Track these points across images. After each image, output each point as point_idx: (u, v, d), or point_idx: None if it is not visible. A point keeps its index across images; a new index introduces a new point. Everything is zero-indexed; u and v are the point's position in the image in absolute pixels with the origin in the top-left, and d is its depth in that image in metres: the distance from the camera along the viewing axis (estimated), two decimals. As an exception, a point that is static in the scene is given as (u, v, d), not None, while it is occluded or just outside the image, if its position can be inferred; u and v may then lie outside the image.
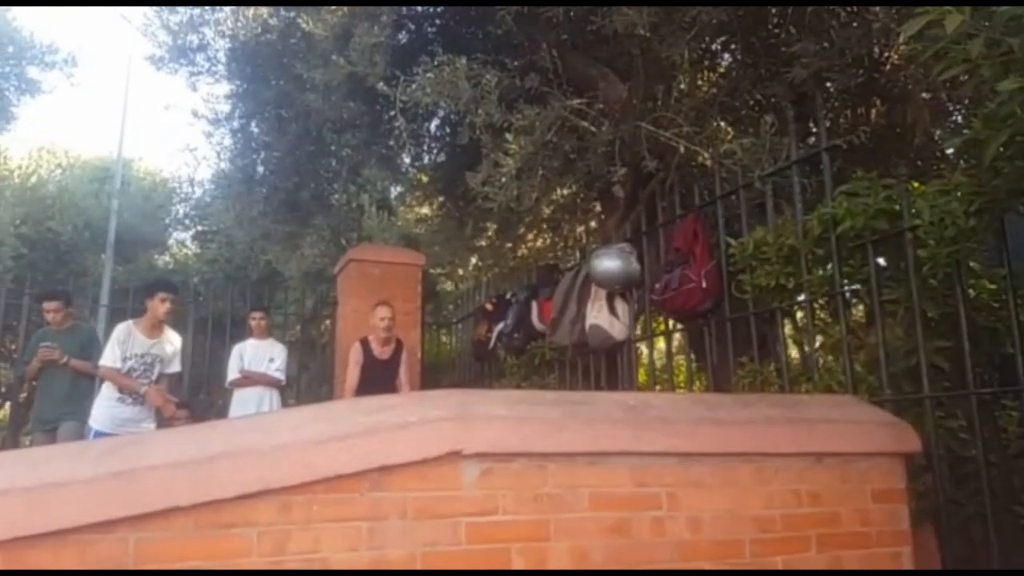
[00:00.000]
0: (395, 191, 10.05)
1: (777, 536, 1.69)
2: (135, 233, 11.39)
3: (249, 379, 5.08)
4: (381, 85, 3.71)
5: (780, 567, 1.67)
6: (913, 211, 2.14)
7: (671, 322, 3.57)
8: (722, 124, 3.47)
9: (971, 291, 2.27)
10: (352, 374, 4.35)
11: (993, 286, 2.18)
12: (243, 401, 5.00)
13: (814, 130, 3.59)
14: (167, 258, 12.72)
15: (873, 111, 3.66)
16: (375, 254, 5.89)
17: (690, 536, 1.62)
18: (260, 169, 6.03)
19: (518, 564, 1.48)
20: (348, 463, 1.40)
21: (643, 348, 3.61)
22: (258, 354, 5.26)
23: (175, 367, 4.33)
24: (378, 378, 4.19)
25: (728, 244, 2.86)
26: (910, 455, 1.85)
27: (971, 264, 2.20)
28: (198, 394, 7.88)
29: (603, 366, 3.86)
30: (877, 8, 2.53)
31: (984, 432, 2.02)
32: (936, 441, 2.07)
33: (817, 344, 2.61)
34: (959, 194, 1.91)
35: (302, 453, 1.37)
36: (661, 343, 4.37)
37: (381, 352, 4.39)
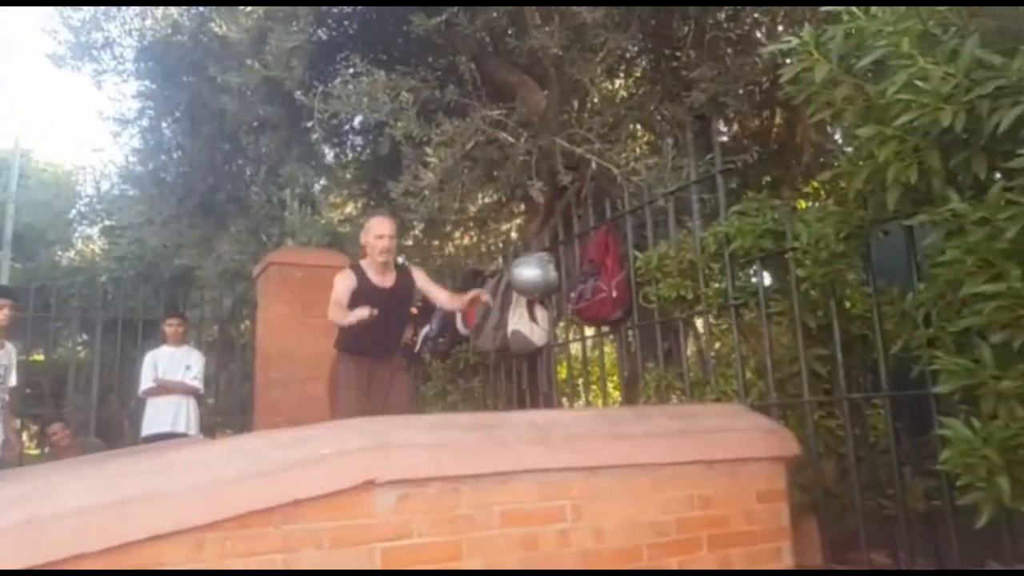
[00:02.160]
0: (319, 186, 9.84)
1: (672, 539, 1.85)
2: (35, 230, 10.71)
3: (164, 388, 4.94)
4: (299, 94, 3.68)
5: (675, 568, 1.83)
6: (796, 233, 2.34)
7: (589, 329, 3.73)
8: (631, 141, 3.64)
9: (847, 303, 2.51)
10: (340, 304, 3.13)
11: (864, 300, 2.41)
12: (158, 411, 4.86)
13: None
14: (72, 255, 12.01)
15: (773, 128, 3.91)
16: (297, 257, 5.80)
17: (593, 545, 1.75)
18: (173, 171, 5.83)
19: (433, 584, 1.57)
20: (261, 499, 1.45)
21: (574, 349, 3.76)
22: (173, 362, 5.11)
23: (12, 381, 4.10)
24: (383, 313, 3.05)
25: (636, 257, 3.03)
26: (791, 459, 2.05)
27: (849, 277, 2.43)
28: (107, 399, 7.56)
29: (524, 369, 4.00)
30: (765, 40, 2.74)
31: (855, 431, 2.26)
32: (815, 440, 2.30)
33: (713, 352, 2.82)
34: (831, 221, 2.11)
35: (216, 492, 1.41)
36: (608, 347, 4.53)
37: (381, 280, 3.30)
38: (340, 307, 3.08)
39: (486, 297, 3.30)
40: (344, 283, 3.21)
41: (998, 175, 1.61)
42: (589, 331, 3.64)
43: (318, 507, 1.50)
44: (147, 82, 5.25)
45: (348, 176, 8.30)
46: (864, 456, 2.30)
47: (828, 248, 2.13)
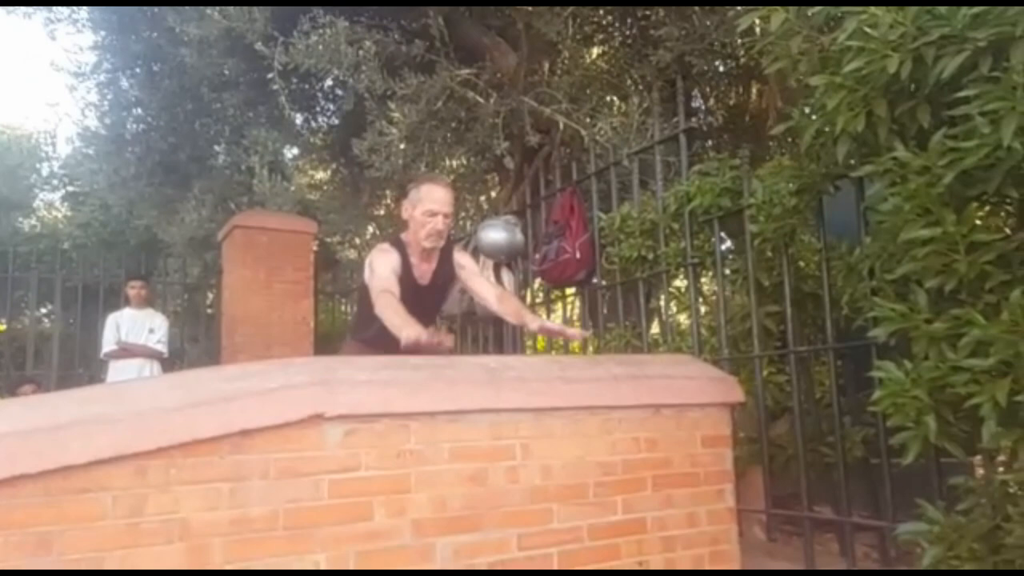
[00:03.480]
0: (290, 154, 9.69)
1: (618, 478, 1.89)
2: (-7, 195, 10.40)
3: (127, 351, 4.88)
4: (259, 45, 3.60)
5: (620, 506, 1.88)
6: (752, 190, 2.38)
7: (556, 292, 3.75)
8: (599, 102, 3.65)
9: (801, 263, 2.56)
10: (392, 296, 2.30)
11: (816, 258, 2.47)
12: (120, 374, 4.79)
13: (697, 105, 3.81)
14: (33, 221, 11.68)
15: (733, 93, 3.95)
16: (262, 220, 5.72)
17: (541, 482, 1.79)
18: (132, 127, 5.67)
19: (379, 514, 1.59)
20: (206, 428, 1.45)
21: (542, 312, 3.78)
22: (136, 325, 5.05)
23: None
24: (417, 311, 2.29)
25: (600, 218, 3.06)
26: (735, 405, 2.11)
27: (802, 239, 2.49)
28: (71, 366, 7.43)
29: (491, 334, 4.03)
30: None
31: (801, 385, 2.32)
32: (764, 394, 2.36)
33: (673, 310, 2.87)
34: (784, 176, 2.15)
35: (158, 419, 1.40)
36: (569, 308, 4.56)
37: (421, 271, 2.49)
38: (392, 302, 2.25)
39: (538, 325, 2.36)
40: (388, 264, 2.38)
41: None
42: (556, 293, 3.67)
43: (266, 438, 1.51)
44: (103, 33, 5.07)
45: (318, 142, 8.17)
46: (810, 409, 2.37)
47: (781, 203, 2.17)
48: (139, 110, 5.54)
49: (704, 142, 3.63)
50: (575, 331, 2.27)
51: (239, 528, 1.46)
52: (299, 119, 8.03)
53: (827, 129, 1.83)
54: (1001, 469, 1.68)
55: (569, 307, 4.38)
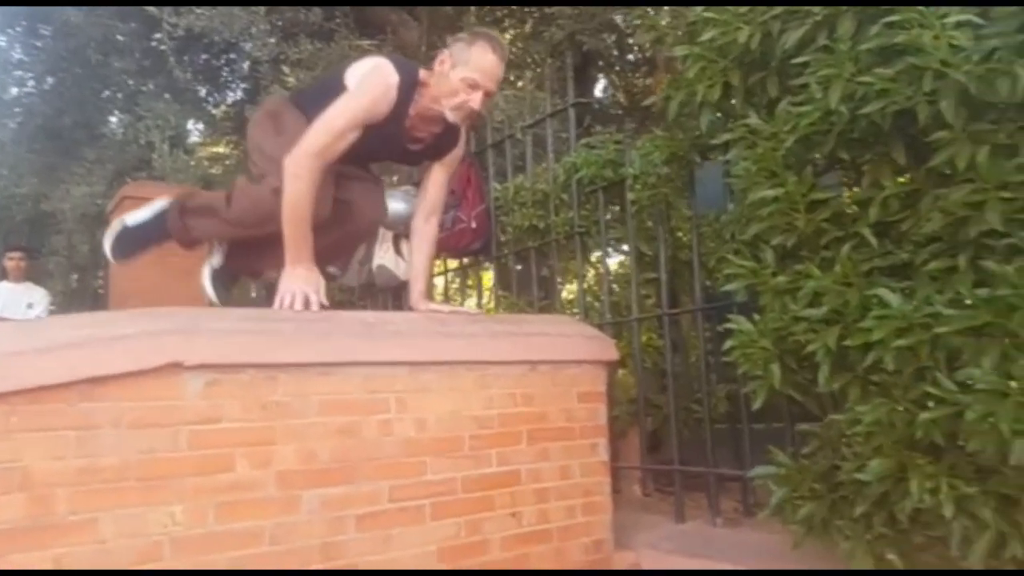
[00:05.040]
0: (195, 129, 9.27)
1: (494, 432, 1.94)
2: None
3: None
4: (151, 8, 3.44)
5: (494, 459, 1.93)
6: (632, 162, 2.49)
7: (453, 262, 3.77)
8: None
9: (679, 233, 2.70)
10: (320, 155, 1.82)
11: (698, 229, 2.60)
12: (-8, 350, 4.47)
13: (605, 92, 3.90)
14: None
15: (639, 81, 4.08)
16: (154, 191, 5.39)
17: (415, 434, 1.82)
18: (13, 91, 5.29)
19: (242, 466, 1.58)
20: (52, 374, 1.39)
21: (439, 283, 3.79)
22: (13, 298, 4.73)
23: None
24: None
25: (495, 188, 3.11)
26: (610, 363, 2.20)
27: (681, 211, 2.61)
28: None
29: (390, 305, 4.01)
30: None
31: (674, 346, 2.45)
32: (640, 355, 2.48)
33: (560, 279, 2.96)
34: (657, 146, 2.26)
35: (-3, 363, 1.34)
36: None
37: (417, 133, 1.99)
38: (307, 209, 1.81)
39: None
40: (369, 106, 1.84)
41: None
42: (453, 264, 3.69)
43: (119, 387, 1.46)
44: (-20, -13, 4.71)
45: (221, 115, 7.86)
46: (681, 369, 2.50)
47: (655, 173, 2.27)
48: (20, 72, 5.16)
49: (606, 126, 3.72)
50: (447, 308, 2.20)
51: (86, 478, 1.41)
52: (202, 92, 7.69)
53: (691, 100, 1.93)
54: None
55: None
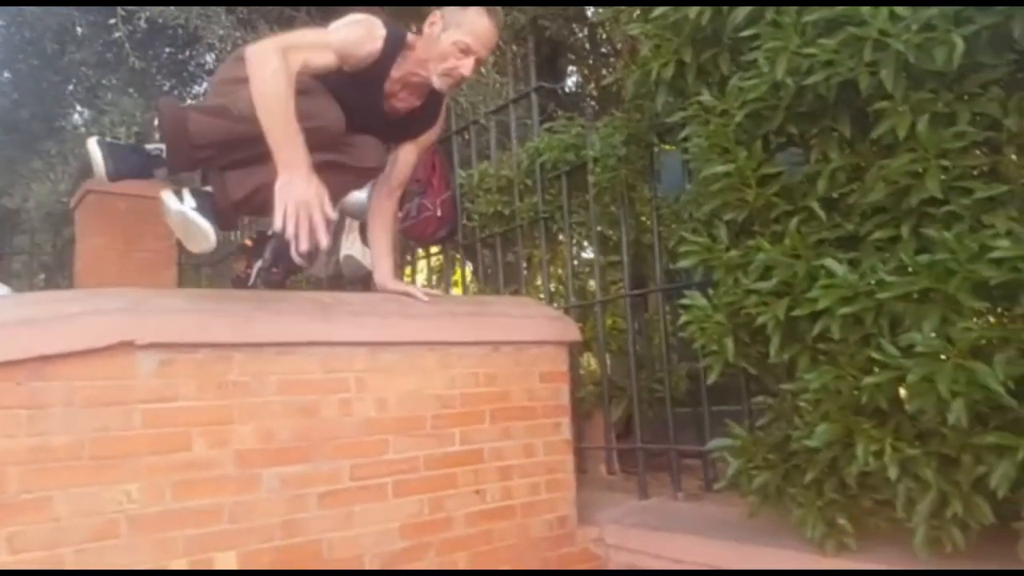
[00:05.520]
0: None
1: (456, 411, 1.95)
2: None
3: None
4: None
5: (457, 437, 1.94)
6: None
7: (421, 251, 3.77)
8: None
9: (643, 218, 2.73)
10: (306, 61, 1.66)
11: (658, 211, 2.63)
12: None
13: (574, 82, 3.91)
14: None
15: (608, 72, 4.11)
16: (120, 186, 5.32)
17: (376, 414, 1.82)
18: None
19: (199, 445, 1.57)
20: (1, 353, 1.37)
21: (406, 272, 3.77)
22: (-29, 296, 4.61)
23: None
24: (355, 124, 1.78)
25: (460, 175, 3.11)
26: (572, 344, 2.22)
27: (644, 195, 2.64)
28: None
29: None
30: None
31: (636, 327, 2.48)
32: (604, 338, 2.50)
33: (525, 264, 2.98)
34: (616, 128, 2.29)
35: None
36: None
37: (396, 100, 1.90)
38: (290, 94, 1.57)
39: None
40: (354, 36, 1.76)
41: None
42: (420, 252, 3.69)
43: (70, 365, 1.44)
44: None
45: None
46: (646, 351, 2.54)
47: (615, 155, 2.30)
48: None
49: (573, 114, 3.74)
50: (419, 291, 2.08)
51: (39, 457, 1.40)
52: (167, 86, 7.57)
53: (647, 79, 1.95)
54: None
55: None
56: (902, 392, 1.47)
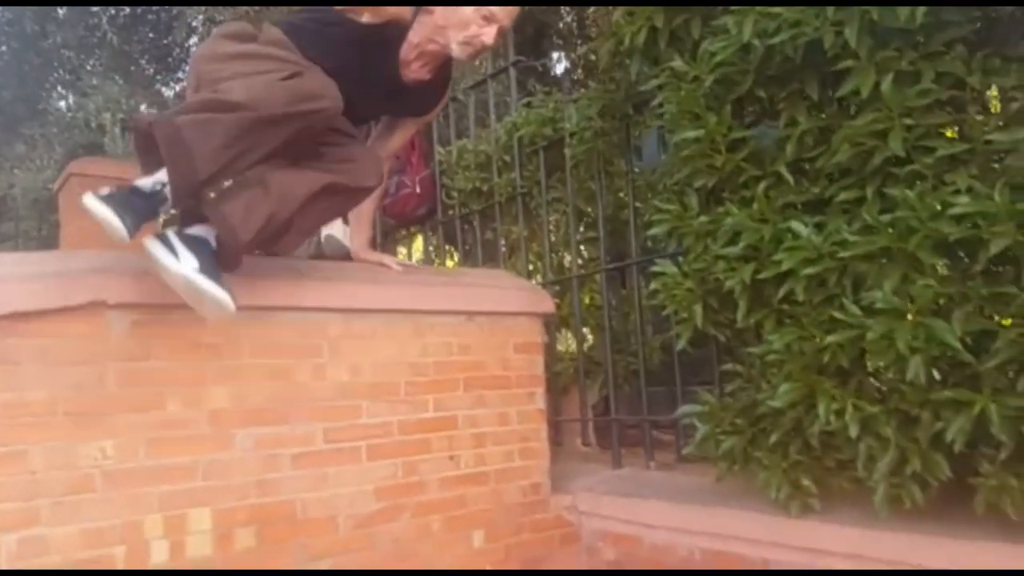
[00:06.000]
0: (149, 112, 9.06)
1: (430, 379, 1.97)
2: None
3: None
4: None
5: (431, 404, 1.96)
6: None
7: (402, 230, 3.78)
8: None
9: (621, 194, 2.75)
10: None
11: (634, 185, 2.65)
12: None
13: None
14: None
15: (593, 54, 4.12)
16: (103, 168, 5.28)
17: (349, 379, 1.84)
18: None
19: (173, 404, 1.58)
20: (-31, 308, 1.37)
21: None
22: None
23: None
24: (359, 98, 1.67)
25: (439, 152, 3.12)
26: (546, 315, 2.24)
27: (620, 166, 2.65)
28: None
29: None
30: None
31: (612, 302, 2.51)
32: (580, 312, 2.53)
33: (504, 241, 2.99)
34: (592, 99, 2.30)
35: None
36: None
37: (409, 69, 1.84)
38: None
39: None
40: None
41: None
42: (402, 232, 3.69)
43: (44, 322, 1.45)
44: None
45: (171, 96, 7.69)
46: (620, 326, 2.56)
47: (590, 127, 2.31)
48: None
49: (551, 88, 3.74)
50: (392, 260, 2.08)
51: (14, 412, 1.41)
52: (151, 71, 7.53)
53: (621, 48, 1.97)
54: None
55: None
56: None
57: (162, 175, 1.41)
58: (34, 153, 5.83)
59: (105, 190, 1.40)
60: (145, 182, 1.45)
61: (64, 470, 1.44)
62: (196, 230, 1.51)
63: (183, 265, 1.42)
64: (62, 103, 6.28)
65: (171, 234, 1.48)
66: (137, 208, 1.40)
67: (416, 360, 1.96)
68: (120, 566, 1.48)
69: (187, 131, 1.38)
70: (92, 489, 1.46)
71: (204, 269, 1.44)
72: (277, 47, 1.62)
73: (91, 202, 1.36)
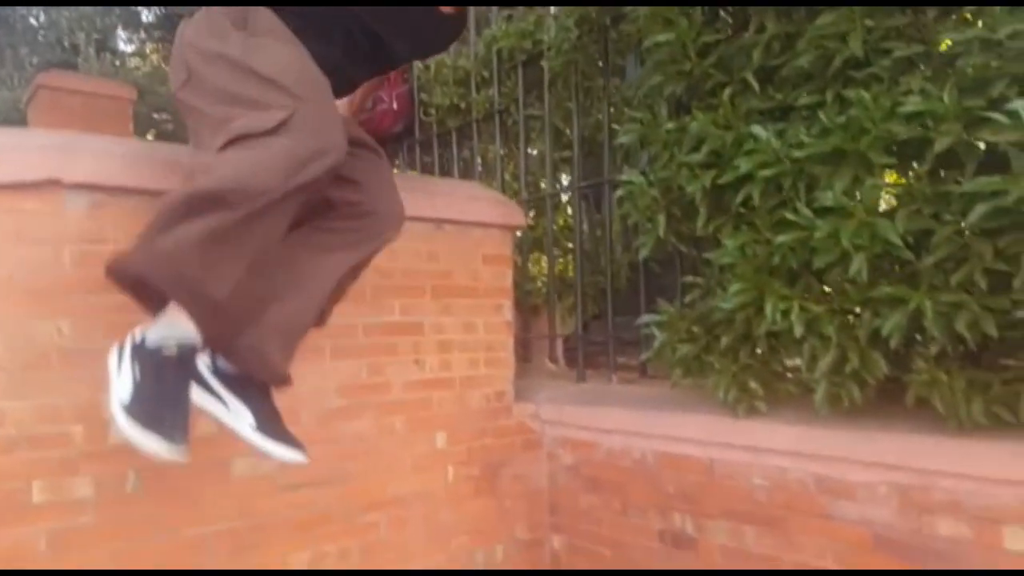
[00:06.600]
0: (126, 36, 8.80)
1: (396, 284, 1.99)
2: None
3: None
4: None
5: (397, 309, 1.99)
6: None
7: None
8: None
9: (600, 116, 2.72)
10: None
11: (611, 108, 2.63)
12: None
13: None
14: None
15: None
16: (73, 83, 5.15)
17: (313, 278, 1.84)
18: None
19: (132, 289, 1.58)
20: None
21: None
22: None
23: None
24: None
25: (416, 67, 3.07)
26: (516, 228, 2.26)
27: (598, 81, 2.62)
28: None
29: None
30: None
31: (584, 224, 2.52)
32: (552, 232, 2.54)
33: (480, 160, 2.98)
34: (570, 12, 2.27)
35: None
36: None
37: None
38: None
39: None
40: None
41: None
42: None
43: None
44: None
45: (151, 19, 7.47)
46: (593, 247, 2.58)
47: (568, 39, 2.28)
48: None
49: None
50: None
51: (-34, 284, 1.41)
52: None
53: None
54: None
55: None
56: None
57: (170, 329, 1.27)
58: (2, 71, 5.67)
59: (127, 393, 1.23)
60: (151, 339, 1.28)
61: (20, 347, 1.45)
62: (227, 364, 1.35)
63: (238, 421, 1.31)
64: (32, 20, 6.06)
65: (207, 372, 1.33)
66: (168, 398, 1.23)
67: (383, 265, 1.96)
68: (79, 445, 1.52)
69: (185, 263, 1.22)
70: (48, 367, 1.48)
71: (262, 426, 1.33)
72: (266, 55, 1.34)
73: (131, 432, 1.20)
